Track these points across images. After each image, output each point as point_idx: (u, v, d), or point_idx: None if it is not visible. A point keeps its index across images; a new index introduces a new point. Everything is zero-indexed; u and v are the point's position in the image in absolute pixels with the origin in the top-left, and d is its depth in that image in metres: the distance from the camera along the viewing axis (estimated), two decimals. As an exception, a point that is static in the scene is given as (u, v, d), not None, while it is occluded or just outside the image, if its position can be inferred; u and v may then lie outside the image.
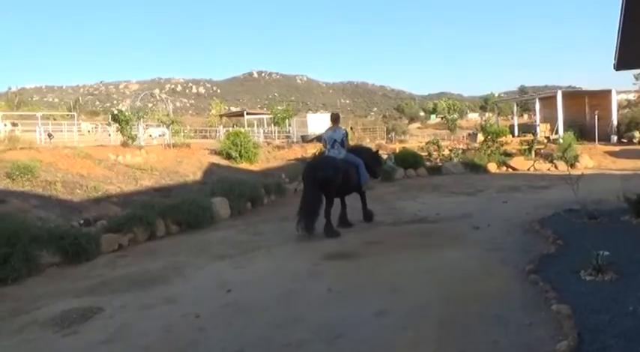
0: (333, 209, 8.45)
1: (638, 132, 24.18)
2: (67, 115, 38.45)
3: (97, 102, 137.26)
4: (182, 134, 24.60)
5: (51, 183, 10.91)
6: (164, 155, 15.99)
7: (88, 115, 66.99)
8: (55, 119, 36.18)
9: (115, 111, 18.28)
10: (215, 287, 5.72)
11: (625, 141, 24.47)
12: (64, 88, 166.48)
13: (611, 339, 3.55)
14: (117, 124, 17.76)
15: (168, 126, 20.00)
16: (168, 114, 21.56)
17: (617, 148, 22.56)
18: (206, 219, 9.66)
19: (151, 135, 25.31)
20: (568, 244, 6.39)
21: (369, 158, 9.72)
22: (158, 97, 28.90)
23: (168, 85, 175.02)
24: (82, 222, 9.07)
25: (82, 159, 13.25)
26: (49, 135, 20.87)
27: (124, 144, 16.61)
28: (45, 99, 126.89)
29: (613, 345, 3.45)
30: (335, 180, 8.25)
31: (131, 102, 26.19)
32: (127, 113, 17.74)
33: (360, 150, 9.95)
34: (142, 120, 20.00)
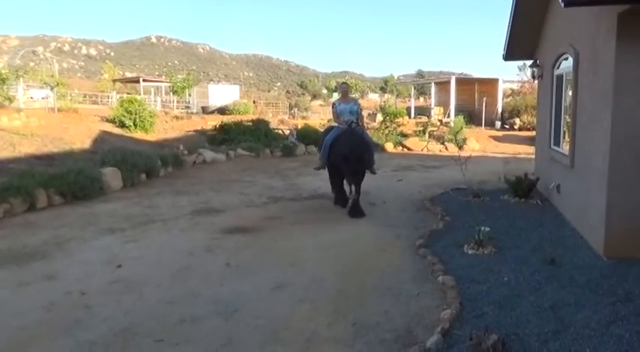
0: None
1: (518, 119, 26.37)
2: None
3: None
4: (69, 98, 22.67)
5: None
6: (47, 120, 14.59)
7: (-44, 71, 59.20)
8: None
9: (-11, 69, 16.30)
10: (103, 263, 5.38)
11: (507, 127, 26.60)
12: None
13: (487, 307, 3.91)
14: (-9, 83, 15.88)
15: (52, 89, 18.26)
16: (53, 75, 19.69)
17: (500, 133, 24.48)
18: (95, 191, 9.04)
19: (32, 97, 22.99)
20: (454, 220, 6.87)
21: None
22: (42, 56, 26.33)
23: (54, 44, 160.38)
24: (-55, 191, 8.02)
25: (-53, 120, 11.70)
26: None
27: (0, 106, 14.92)
28: None
29: (489, 312, 3.82)
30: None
31: (9, 60, 23.53)
32: (3, 71, 15.88)
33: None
34: (21, 80, 18.07)
